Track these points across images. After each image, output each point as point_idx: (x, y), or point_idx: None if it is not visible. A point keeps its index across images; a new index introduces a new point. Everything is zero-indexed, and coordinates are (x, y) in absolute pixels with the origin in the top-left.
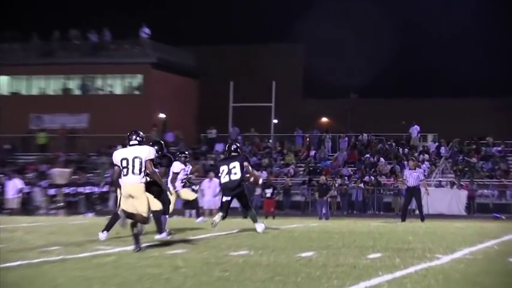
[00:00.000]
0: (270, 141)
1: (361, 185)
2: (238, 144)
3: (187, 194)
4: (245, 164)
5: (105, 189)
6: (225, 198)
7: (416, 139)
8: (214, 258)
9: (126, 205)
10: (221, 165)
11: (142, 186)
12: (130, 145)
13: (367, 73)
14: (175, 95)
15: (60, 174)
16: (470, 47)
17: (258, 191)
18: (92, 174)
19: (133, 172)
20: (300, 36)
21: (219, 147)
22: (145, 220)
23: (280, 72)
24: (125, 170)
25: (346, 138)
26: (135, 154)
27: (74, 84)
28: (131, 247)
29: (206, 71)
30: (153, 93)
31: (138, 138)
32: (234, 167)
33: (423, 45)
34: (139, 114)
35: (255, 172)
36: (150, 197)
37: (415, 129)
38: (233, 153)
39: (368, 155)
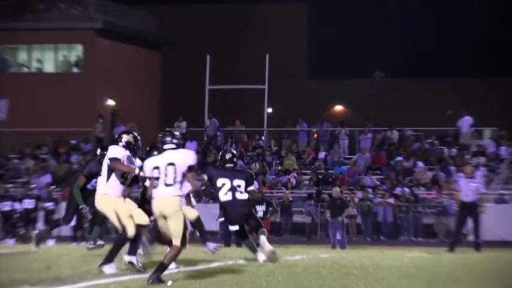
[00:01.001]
0: (263, 138)
1: (391, 199)
2: (234, 152)
3: (189, 212)
4: (250, 188)
5: (30, 205)
6: (232, 228)
7: (467, 135)
8: None
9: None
10: (220, 177)
11: (178, 200)
12: (164, 150)
13: (398, 44)
14: (130, 73)
15: None
16: None
17: None
18: (12, 185)
19: (165, 183)
20: None
21: (191, 146)
22: (179, 248)
23: (276, 42)
24: (156, 182)
25: (370, 135)
26: (169, 160)
27: None
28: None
29: (172, 40)
30: (98, 71)
31: (174, 141)
32: (239, 186)
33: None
34: (79, 100)
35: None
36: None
37: (466, 122)
38: (228, 165)
39: (400, 158)
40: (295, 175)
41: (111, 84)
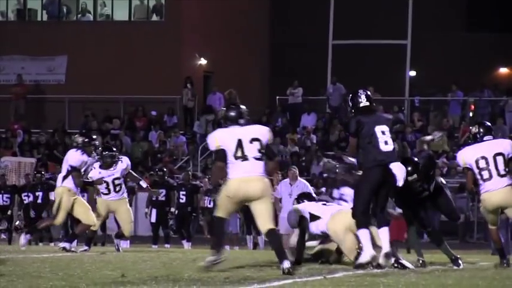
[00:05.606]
0: (404, 110)
1: None
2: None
3: None
4: None
5: None
6: None
7: None
8: None
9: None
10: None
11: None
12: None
13: None
14: (228, 23)
15: (14, 166)
16: None
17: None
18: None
19: (500, 174)
20: None
21: (307, 120)
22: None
23: None
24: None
25: None
26: (497, 150)
27: (37, 3)
28: None
29: None
30: (185, 20)
31: (492, 133)
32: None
33: None
34: (161, 58)
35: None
36: None
37: None
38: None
39: None
40: (446, 159)
41: (202, 38)
